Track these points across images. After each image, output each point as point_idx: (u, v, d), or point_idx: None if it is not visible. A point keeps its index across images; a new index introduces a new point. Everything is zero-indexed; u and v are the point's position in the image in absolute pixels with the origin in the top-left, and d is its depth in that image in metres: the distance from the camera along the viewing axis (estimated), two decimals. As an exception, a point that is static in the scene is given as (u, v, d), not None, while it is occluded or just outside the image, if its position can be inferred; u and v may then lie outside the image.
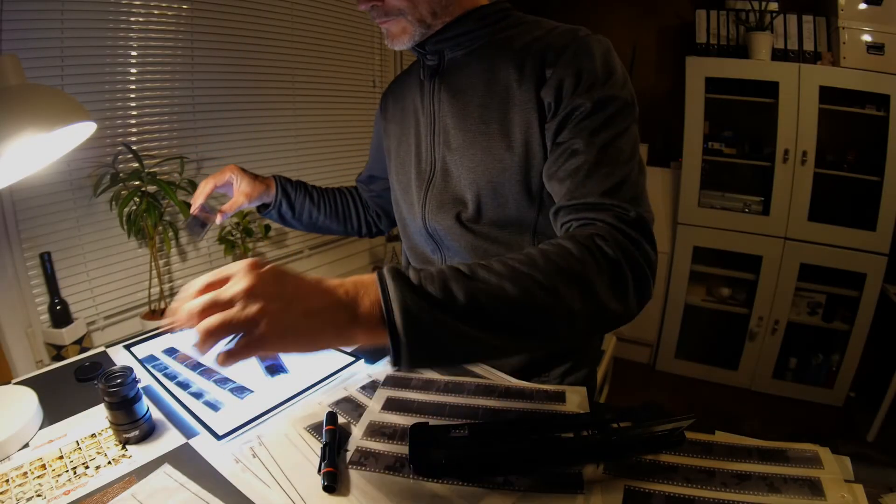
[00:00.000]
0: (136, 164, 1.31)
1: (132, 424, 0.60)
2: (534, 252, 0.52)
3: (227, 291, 0.42)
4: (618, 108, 0.66)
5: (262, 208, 0.99)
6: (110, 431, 0.62)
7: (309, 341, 0.43)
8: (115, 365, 0.78)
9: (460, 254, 0.79)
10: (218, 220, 0.91)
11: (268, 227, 1.74)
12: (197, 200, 0.90)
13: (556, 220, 0.67)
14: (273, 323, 0.41)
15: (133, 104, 1.36)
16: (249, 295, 0.41)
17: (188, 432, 0.62)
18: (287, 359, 0.78)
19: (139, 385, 0.62)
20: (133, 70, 1.34)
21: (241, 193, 0.91)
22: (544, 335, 0.49)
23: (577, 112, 0.66)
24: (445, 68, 0.78)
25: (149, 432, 0.62)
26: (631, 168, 0.67)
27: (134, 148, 1.32)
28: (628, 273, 0.54)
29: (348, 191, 1.08)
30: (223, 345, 0.41)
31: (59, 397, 0.70)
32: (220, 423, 0.63)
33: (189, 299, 0.43)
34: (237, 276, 0.43)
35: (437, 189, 0.79)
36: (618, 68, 0.69)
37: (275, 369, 0.74)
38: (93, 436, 0.62)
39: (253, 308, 0.41)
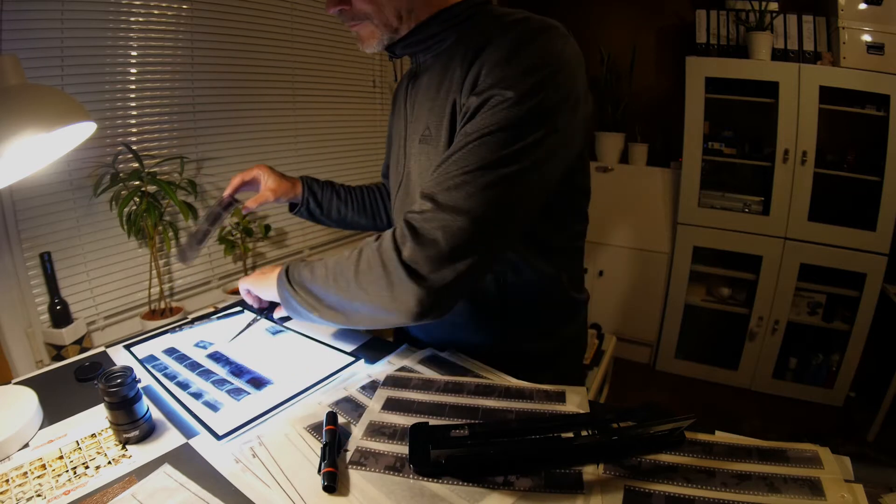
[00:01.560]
0: (136, 164, 1.31)
1: (132, 424, 0.60)
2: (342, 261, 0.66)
3: None
4: (507, 105, 0.60)
5: (292, 207, 1.01)
6: (110, 431, 0.62)
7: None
8: (115, 365, 0.78)
9: None
10: (249, 207, 0.95)
11: (268, 227, 1.74)
12: (225, 193, 0.95)
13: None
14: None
15: (133, 104, 1.36)
16: None
17: (188, 432, 0.62)
18: (272, 370, 0.78)
19: (139, 385, 0.62)
20: (133, 70, 1.34)
21: (267, 189, 0.94)
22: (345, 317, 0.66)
23: (466, 109, 0.63)
24: (419, 72, 0.78)
25: (149, 432, 0.62)
26: (469, 167, 0.60)
27: (134, 148, 1.32)
28: (385, 277, 0.60)
29: (376, 187, 1.09)
30: None
31: (59, 397, 0.70)
32: (220, 423, 0.63)
33: None
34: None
35: (402, 193, 0.81)
36: (527, 58, 0.62)
37: (258, 383, 0.74)
38: (93, 436, 0.62)
39: None
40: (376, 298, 0.61)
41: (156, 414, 0.66)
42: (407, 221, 0.61)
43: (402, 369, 0.76)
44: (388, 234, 0.63)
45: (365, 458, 0.57)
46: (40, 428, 0.64)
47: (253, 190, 0.96)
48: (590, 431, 0.55)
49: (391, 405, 0.67)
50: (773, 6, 2.15)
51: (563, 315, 0.87)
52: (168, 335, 0.89)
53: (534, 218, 0.70)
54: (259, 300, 0.88)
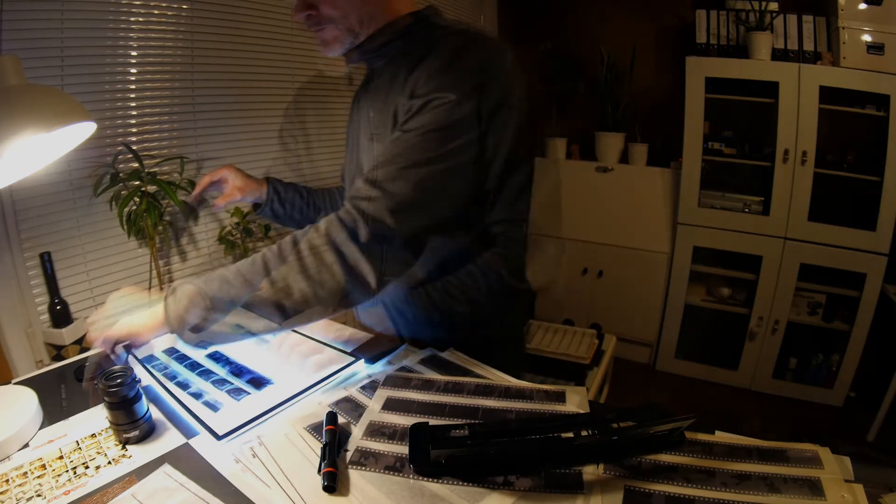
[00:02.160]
0: (136, 164, 1.31)
1: (132, 424, 0.60)
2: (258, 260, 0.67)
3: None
4: (447, 107, 0.67)
5: (256, 207, 1.05)
6: (110, 431, 0.62)
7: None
8: (115, 365, 0.78)
9: None
10: (217, 204, 0.98)
11: (268, 228, 1.74)
12: (194, 192, 1.00)
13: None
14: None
15: (133, 104, 1.36)
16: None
17: (188, 432, 0.62)
18: (271, 370, 0.77)
19: (139, 385, 0.62)
20: (133, 70, 1.34)
21: (234, 188, 0.98)
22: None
23: (407, 109, 0.70)
24: (372, 78, 0.84)
25: (149, 432, 0.62)
26: (411, 160, 0.67)
27: (134, 148, 1.32)
28: (341, 262, 0.65)
29: (336, 189, 1.12)
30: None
31: (59, 397, 0.70)
32: (220, 423, 0.63)
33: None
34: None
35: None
36: (464, 65, 0.69)
37: (258, 383, 0.74)
38: (93, 436, 0.62)
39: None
40: (329, 284, 0.65)
41: (156, 414, 0.66)
42: (357, 208, 0.66)
43: (402, 369, 0.76)
44: (332, 223, 0.66)
45: (365, 458, 0.57)
46: (40, 428, 0.64)
47: (220, 190, 1.01)
48: (590, 431, 0.55)
49: (391, 405, 0.67)
50: (773, 6, 2.15)
51: (503, 304, 0.89)
52: (168, 335, 0.88)
53: (468, 205, 0.77)
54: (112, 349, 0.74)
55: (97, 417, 0.66)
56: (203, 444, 0.60)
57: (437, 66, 0.69)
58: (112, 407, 0.59)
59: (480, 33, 0.75)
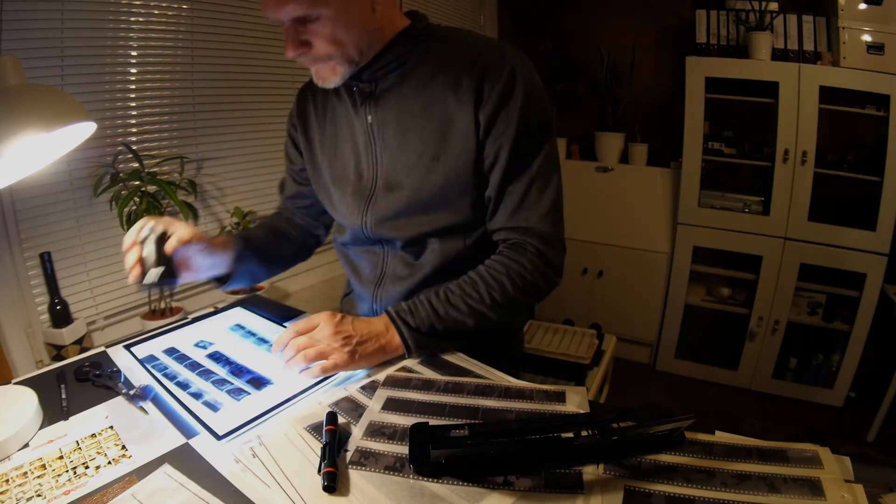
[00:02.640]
0: (136, 164, 1.31)
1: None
2: (482, 288, 0.79)
3: (319, 333, 0.73)
4: (543, 131, 0.79)
5: (222, 280, 0.91)
6: (110, 431, 0.62)
7: (366, 363, 0.75)
8: (115, 365, 0.78)
9: (398, 250, 0.88)
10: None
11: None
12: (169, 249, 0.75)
13: (492, 232, 0.85)
14: (350, 352, 0.73)
15: (133, 104, 1.36)
16: (334, 335, 0.73)
17: (188, 432, 0.62)
18: (272, 370, 0.78)
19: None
20: (133, 70, 1.34)
21: (195, 266, 0.81)
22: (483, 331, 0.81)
23: (509, 134, 0.76)
24: (378, 93, 0.82)
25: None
26: (556, 192, 0.82)
27: (134, 148, 1.32)
28: (544, 289, 0.84)
29: (280, 218, 1.04)
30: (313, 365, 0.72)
31: (58, 397, 0.70)
32: (220, 423, 0.63)
33: (289, 338, 0.74)
34: (323, 323, 0.74)
35: (379, 204, 0.84)
36: (540, 88, 0.79)
37: (258, 383, 0.74)
38: (93, 436, 0.62)
39: (336, 343, 0.72)
40: (528, 301, 0.84)
41: (156, 414, 0.66)
42: (539, 252, 0.81)
43: (402, 369, 0.76)
44: (525, 262, 0.80)
45: (365, 458, 0.57)
46: (40, 428, 0.64)
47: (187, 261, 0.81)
48: (590, 431, 0.55)
49: (391, 405, 0.67)
50: (773, 6, 2.15)
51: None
52: (168, 335, 0.88)
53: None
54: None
55: (97, 417, 0.66)
56: (203, 444, 0.60)
57: (521, 90, 0.76)
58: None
59: (510, 45, 0.81)
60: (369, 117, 0.83)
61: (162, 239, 0.73)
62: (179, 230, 0.75)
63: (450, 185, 0.80)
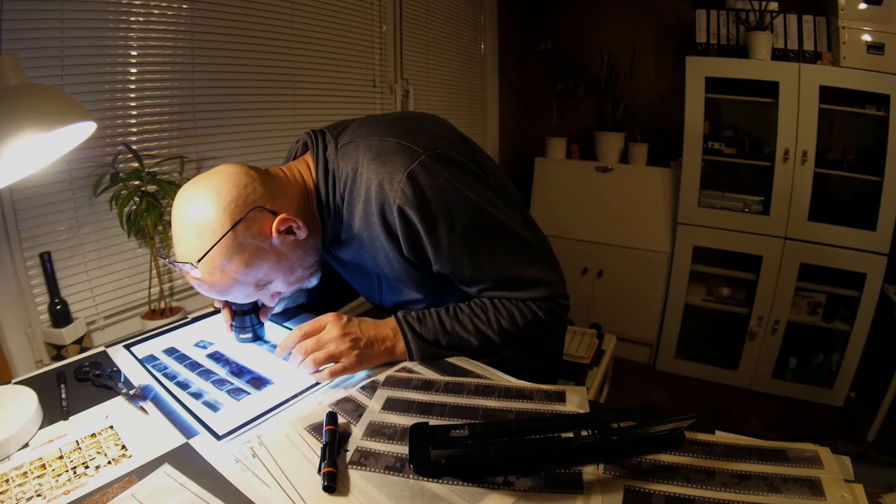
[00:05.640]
0: (136, 164, 1.31)
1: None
2: (490, 313, 0.81)
3: (327, 335, 0.74)
4: (467, 220, 0.76)
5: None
6: (110, 431, 0.62)
7: (371, 365, 0.77)
8: (115, 365, 0.78)
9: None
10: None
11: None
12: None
13: (472, 291, 0.84)
14: (358, 355, 0.74)
15: (133, 104, 1.35)
16: (342, 338, 0.73)
17: (188, 432, 0.62)
18: (272, 370, 0.78)
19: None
20: (133, 70, 1.33)
21: None
22: (487, 355, 0.82)
23: (442, 256, 0.77)
24: (341, 238, 0.85)
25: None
26: (508, 248, 0.81)
27: (134, 148, 1.32)
28: (550, 323, 0.85)
29: None
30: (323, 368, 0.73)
31: (59, 397, 0.70)
32: (220, 423, 0.63)
33: (296, 341, 0.74)
34: (330, 324, 0.75)
35: (385, 286, 0.93)
36: (443, 183, 0.74)
37: (258, 383, 0.74)
38: (93, 435, 0.62)
39: (345, 346, 0.73)
40: (535, 333, 0.84)
41: (156, 414, 0.66)
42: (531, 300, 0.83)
43: (402, 369, 0.76)
44: (532, 307, 0.82)
45: (365, 458, 0.57)
46: (40, 428, 0.64)
47: None
48: (590, 431, 0.55)
49: (391, 405, 0.67)
50: (773, 6, 2.15)
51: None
52: (167, 335, 0.88)
53: None
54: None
55: (97, 417, 0.66)
56: (203, 444, 0.60)
57: (421, 214, 0.74)
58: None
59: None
60: (341, 254, 0.88)
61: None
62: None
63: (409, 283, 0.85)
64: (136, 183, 1.30)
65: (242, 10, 1.58)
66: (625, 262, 2.66)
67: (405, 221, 0.74)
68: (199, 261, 0.67)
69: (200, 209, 0.67)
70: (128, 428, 0.63)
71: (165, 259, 0.86)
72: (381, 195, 0.73)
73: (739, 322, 2.44)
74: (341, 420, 0.64)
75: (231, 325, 0.85)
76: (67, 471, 0.56)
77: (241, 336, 0.85)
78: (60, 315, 1.21)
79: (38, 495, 0.52)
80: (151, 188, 1.33)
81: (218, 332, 0.90)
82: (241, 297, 0.76)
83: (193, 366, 0.78)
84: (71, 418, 0.66)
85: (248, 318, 0.85)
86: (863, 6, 2.04)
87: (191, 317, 0.97)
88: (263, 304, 0.86)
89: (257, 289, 0.75)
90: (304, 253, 0.78)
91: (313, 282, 0.84)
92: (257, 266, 0.72)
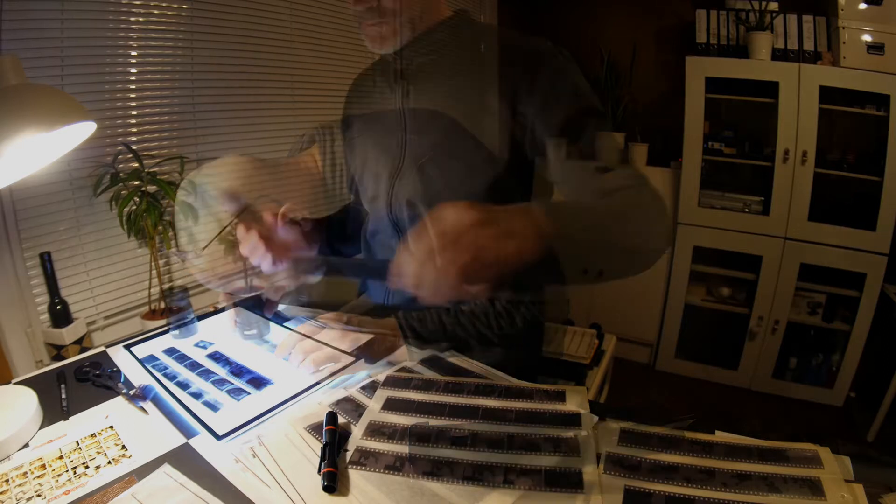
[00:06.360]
0: (136, 164, 1.31)
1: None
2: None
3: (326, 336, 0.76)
4: (597, 115, 0.79)
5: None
6: (110, 431, 0.62)
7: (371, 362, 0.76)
8: (115, 365, 0.78)
9: None
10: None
11: (268, 227, 1.74)
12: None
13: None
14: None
15: (133, 104, 1.36)
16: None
17: (188, 432, 0.62)
18: (272, 370, 0.78)
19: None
20: (133, 70, 1.34)
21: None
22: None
23: (560, 118, 0.75)
24: (414, 72, 0.82)
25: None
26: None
27: (134, 148, 1.32)
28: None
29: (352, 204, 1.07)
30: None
31: (59, 397, 0.70)
32: (220, 423, 0.63)
33: (295, 342, 0.76)
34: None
35: (407, 183, 0.83)
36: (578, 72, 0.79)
37: (258, 383, 0.74)
38: (93, 436, 0.62)
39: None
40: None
41: (156, 414, 0.66)
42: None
43: (402, 369, 0.76)
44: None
45: (365, 458, 0.57)
46: (40, 428, 0.64)
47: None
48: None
49: (391, 405, 0.67)
50: (773, 6, 2.15)
51: None
52: (167, 335, 0.88)
53: None
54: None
55: (97, 417, 0.66)
56: (203, 444, 0.60)
57: (565, 78, 0.76)
58: None
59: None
60: (403, 97, 0.83)
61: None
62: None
63: (478, 173, 0.78)
64: (136, 183, 1.30)
65: (242, 11, 1.58)
66: (625, 262, 2.66)
67: (553, 59, 0.76)
68: (203, 248, 0.68)
69: None
70: (128, 428, 0.63)
71: (182, 253, 0.87)
72: (532, 42, 0.76)
73: (739, 322, 2.44)
74: (341, 420, 0.64)
75: (236, 321, 0.86)
76: (67, 471, 0.56)
77: (246, 332, 0.86)
78: (60, 315, 1.21)
79: (38, 495, 0.52)
80: (151, 188, 1.33)
81: (218, 332, 0.90)
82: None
83: (193, 366, 0.78)
84: (71, 418, 0.66)
85: (252, 314, 0.85)
86: (863, 6, 2.04)
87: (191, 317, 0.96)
88: (268, 299, 0.85)
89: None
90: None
91: (392, 43, 0.80)
92: None
